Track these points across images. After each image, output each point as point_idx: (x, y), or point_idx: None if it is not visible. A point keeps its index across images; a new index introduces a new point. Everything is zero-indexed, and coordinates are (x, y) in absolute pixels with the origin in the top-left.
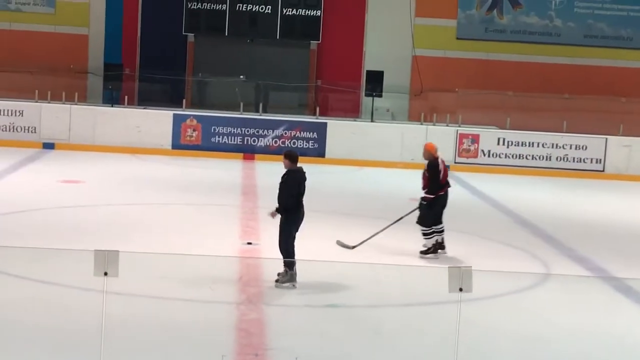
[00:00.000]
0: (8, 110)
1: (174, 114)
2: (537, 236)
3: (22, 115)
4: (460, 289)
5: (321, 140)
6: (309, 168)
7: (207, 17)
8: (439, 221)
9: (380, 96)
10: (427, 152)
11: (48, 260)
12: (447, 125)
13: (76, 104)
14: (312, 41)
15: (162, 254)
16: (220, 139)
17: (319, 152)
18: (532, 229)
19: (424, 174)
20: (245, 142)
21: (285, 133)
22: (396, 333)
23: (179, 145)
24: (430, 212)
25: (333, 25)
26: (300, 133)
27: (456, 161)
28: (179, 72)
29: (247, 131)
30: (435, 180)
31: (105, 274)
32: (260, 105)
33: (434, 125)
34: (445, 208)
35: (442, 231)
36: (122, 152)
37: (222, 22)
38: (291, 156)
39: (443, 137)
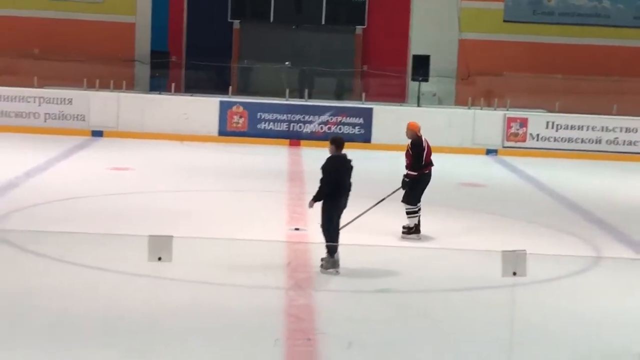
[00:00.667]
0: (57, 99)
1: (220, 101)
2: (587, 220)
3: (71, 104)
4: (514, 273)
5: (367, 125)
6: (355, 154)
7: (252, 3)
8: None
9: (427, 81)
10: (411, 130)
11: (100, 246)
12: (495, 109)
13: (124, 92)
14: (357, 26)
15: (214, 239)
16: (267, 125)
17: (365, 138)
18: (582, 213)
19: (407, 152)
20: (291, 129)
21: (331, 119)
22: (446, 318)
23: (225, 132)
24: (415, 191)
25: (378, 9)
26: (346, 119)
27: (504, 145)
28: (225, 59)
29: (293, 117)
30: (419, 159)
31: (159, 259)
32: (306, 91)
33: (481, 109)
34: (426, 189)
35: (419, 210)
36: (170, 139)
37: (267, 9)
38: (336, 142)
39: (491, 121)
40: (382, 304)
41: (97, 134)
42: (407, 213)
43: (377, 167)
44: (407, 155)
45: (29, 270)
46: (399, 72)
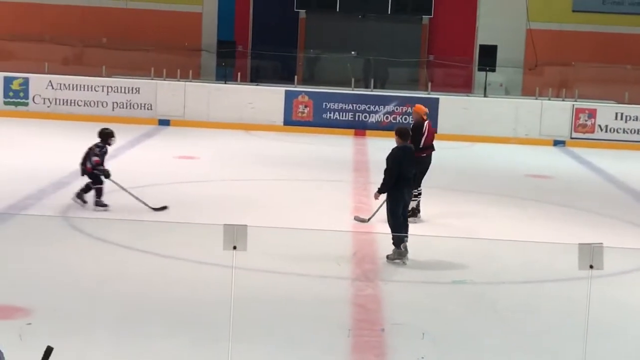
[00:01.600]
0: (125, 88)
1: (286, 91)
2: None
3: (138, 93)
4: (591, 266)
5: (433, 115)
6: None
7: None
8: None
9: (494, 71)
10: (417, 113)
11: (172, 234)
12: (563, 100)
13: (190, 81)
14: (424, 16)
15: (281, 229)
16: (332, 115)
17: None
18: None
19: None
20: (357, 118)
21: (397, 109)
22: (517, 310)
23: (290, 121)
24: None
25: None
26: (411, 109)
27: (572, 137)
28: (291, 48)
29: (359, 107)
30: (417, 141)
31: (234, 248)
32: (372, 81)
33: (549, 99)
34: (426, 173)
35: (420, 194)
36: (235, 128)
37: None
38: (400, 133)
39: (558, 112)
40: (452, 295)
41: (164, 122)
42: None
43: (443, 157)
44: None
45: (100, 258)
46: (465, 62)
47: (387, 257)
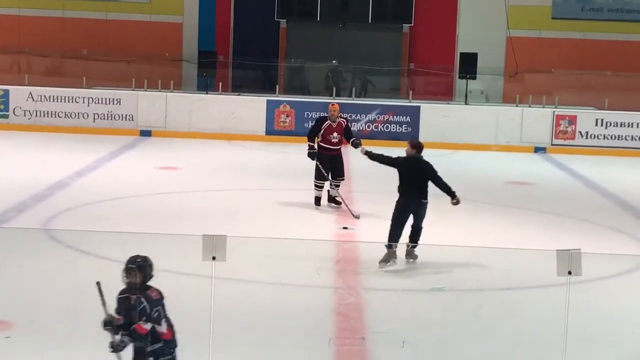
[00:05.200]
0: (106, 99)
1: (268, 100)
2: (637, 218)
3: (119, 104)
4: (569, 272)
5: (414, 123)
6: (402, 152)
7: (299, 2)
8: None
9: (474, 78)
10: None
11: (153, 246)
12: (543, 107)
13: (172, 92)
14: (404, 24)
15: (263, 238)
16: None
17: (413, 136)
18: (633, 211)
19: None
20: None
21: (379, 117)
22: (498, 317)
23: (272, 131)
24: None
25: (425, 7)
26: (393, 117)
27: (553, 143)
28: (272, 58)
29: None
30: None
31: (214, 258)
32: (353, 89)
33: (529, 107)
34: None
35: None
36: (217, 138)
37: (314, 7)
38: (412, 144)
39: (539, 119)
40: (433, 303)
41: (146, 133)
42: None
43: None
44: (340, 128)
45: (80, 270)
46: (446, 70)
47: (379, 262)
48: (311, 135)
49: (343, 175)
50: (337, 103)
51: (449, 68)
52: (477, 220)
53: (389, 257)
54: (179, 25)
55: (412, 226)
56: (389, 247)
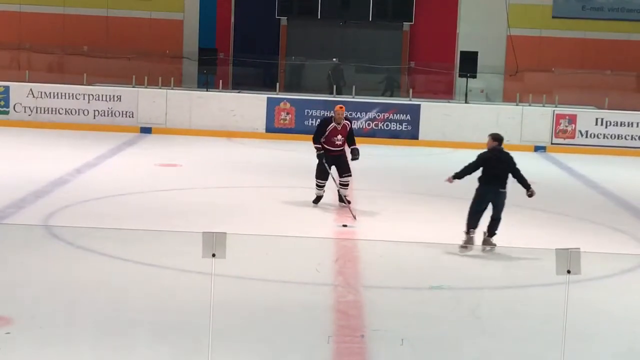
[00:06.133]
0: (106, 96)
1: (268, 98)
2: (637, 217)
3: (120, 101)
4: (568, 271)
5: (414, 122)
6: (402, 151)
7: (299, 0)
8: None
9: (475, 77)
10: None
11: (152, 242)
12: (544, 106)
13: (172, 89)
14: (404, 22)
15: (263, 236)
16: (314, 121)
17: (413, 135)
18: (633, 210)
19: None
20: None
21: (379, 115)
22: (498, 315)
23: (272, 128)
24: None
25: (426, 6)
26: (393, 115)
27: (553, 142)
28: (272, 55)
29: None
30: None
31: (214, 255)
32: (353, 87)
33: (529, 105)
34: None
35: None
36: (217, 135)
37: (314, 5)
38: (493, 137)
39: (539, 118)
40: (432, 300)
41: (146, 130)
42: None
43: (424, 164)
44: (344, 131)
45: (81, 266)
46: (446, 68)
47: (459, 247)
48: (317, 138)
49: (349, 171)
50: (342, 104)
51: (449, 66)
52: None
53: (468, 242)
54: (180, 22)
55: (491, 217)
56: (467, 233)
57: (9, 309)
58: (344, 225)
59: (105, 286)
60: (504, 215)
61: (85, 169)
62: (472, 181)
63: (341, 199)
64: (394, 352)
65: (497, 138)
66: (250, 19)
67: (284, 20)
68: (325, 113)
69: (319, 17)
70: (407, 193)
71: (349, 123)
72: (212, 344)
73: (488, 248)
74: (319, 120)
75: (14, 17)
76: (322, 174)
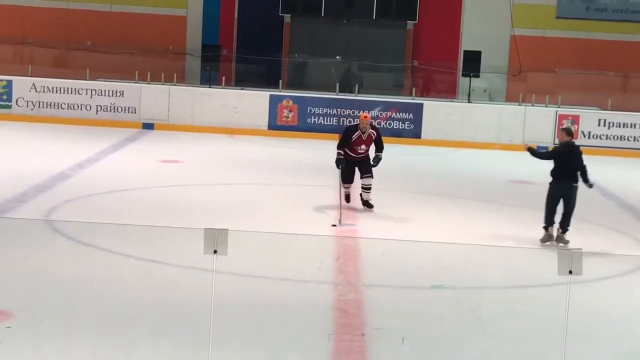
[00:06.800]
0: (109, 91)
1: (271, 95)
2: (639, 218)
3: (122, 96)
4: (570, 272)
5: (417, 121)
6: (404, 149)
7: None
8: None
9: (478, 76)
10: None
11: (154, 238)
12: (546, 106)
13: (175, 85)
14: (408, 21)
15: (266, 233)
16: (316, 119)
17: (415, 133)
18: (634, 212)
19: (370, 138)
20: (341, 123)
21: (381, 114)
22: (498, 315)
23: (275, 126)
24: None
25: (430, 4)
26: (396, 114)
27: (555, 143)
28: (275, 53)
29: (343, 112)
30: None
31: (215, 252)
32: (356, 86)
33: (532, 106)
34: None
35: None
36: (220, 132)
37: (318, 3)
38: (566, 131)
39: (542, 118)
40: (433, 299)
41: (148, 126)
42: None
43: (426, 163)
44: (369, 141)
45: (82, 261)
46: (449, 67)
47: (540, 239)
48: (341, 145)
49: (370, 172)
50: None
51: (453, 66)
52: (479, 218)
53: (548, 238)
54: (183, 18)
55: (563, 212)
56: (545, 229)
57: (10, 303)
58: (333, 225)
59: (106, 281)
60: (506, 215)
61: (87, 164)
62: (471, 181)
63: (365, 203)
64: (395, 351)
65: (570, 132)
66: (253, 16)
67: (287, 17)
68: (328, 111)
69: (322, 14)
70: (408, 192)
71: (374, 133)
72: (212, 340)
73: (561, 244)
74: (321, 118)
75: (18, 12)
76: (347, 179)
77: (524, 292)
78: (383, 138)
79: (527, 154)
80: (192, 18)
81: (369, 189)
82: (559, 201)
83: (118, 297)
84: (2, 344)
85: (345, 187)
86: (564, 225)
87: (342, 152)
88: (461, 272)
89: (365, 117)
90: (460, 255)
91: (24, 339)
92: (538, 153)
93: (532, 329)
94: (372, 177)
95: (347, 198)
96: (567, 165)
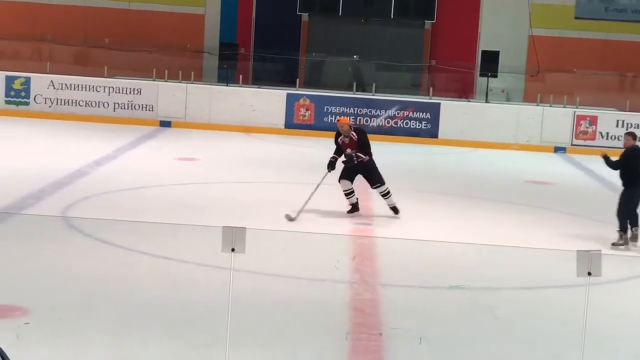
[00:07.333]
0: (127, 89)
1: (288, 94)
2: None
3: (140, 94)
4: (589, 273)
5: (434, 120)
6: (421, 149)
7: None
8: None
9: (496, 76)
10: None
11: (171, 236)
12: (564, 107)
13: (192, 83)
14: (426, 20)
15: (283, 232)
16: (333, 118)
17: (432, 133)
18: None
19: (352, 140)
20: (358, 122)
21: (398, 113)
22: (516, 316)
23: (292, 124)
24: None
25: (448, 4)
26: (413, 113)
27: (573, 143)
28: (293, 51)
29: (360, 111)
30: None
31: (233, 250)
32: (374, 85)
33: (550, 106)
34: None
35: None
36: (237, 130)
37: (336, 2)
38: (632, 135)
39: (560, 119)
40: (450, 300)
41: (165, 124)
42: (387, 194)
43: (444, 163)
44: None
45: (99, 258)
46: (467, 67)
47: (612, 244)
48: (335, 151)
49: (378, 181)
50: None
51: (470, 65)
52: (496, 219)
53: (624, 242)
54: (201, 16)
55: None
56: (620, 234)
57: (27, 299)
58: (290, 219)
59: (122, 278)
60: (524, 215)
61: (104, 161)
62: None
63: (391, 209)
64: (411, 350)
65: (635, 136)
66: (271, 14)
67: (305, 16)
68: (345, 110)
69: (340, 14)
70: (425, 192)
71: (355, 135)
72: (229, 339)
73: (634, 244)
74: (337, 117)
75: (36, 9)
76: (343, 180)
77: (542, 293)
78: (400, 138)
79: (602, 160)
80: (210, 16)
81: (385, 195)
82: (636, 208)
83: (134, 294)
84: (20, 339)
85: (348, 196)
86: (635, 222)
87: (335, 156)
88: (479, 272)
89: (341, 120)
90: (478, 255)
91: (41, 335)
92: (612, 162)
93: (550, 330)
94: (383, 184)
95: (353, 208)
96: (636, 169)
